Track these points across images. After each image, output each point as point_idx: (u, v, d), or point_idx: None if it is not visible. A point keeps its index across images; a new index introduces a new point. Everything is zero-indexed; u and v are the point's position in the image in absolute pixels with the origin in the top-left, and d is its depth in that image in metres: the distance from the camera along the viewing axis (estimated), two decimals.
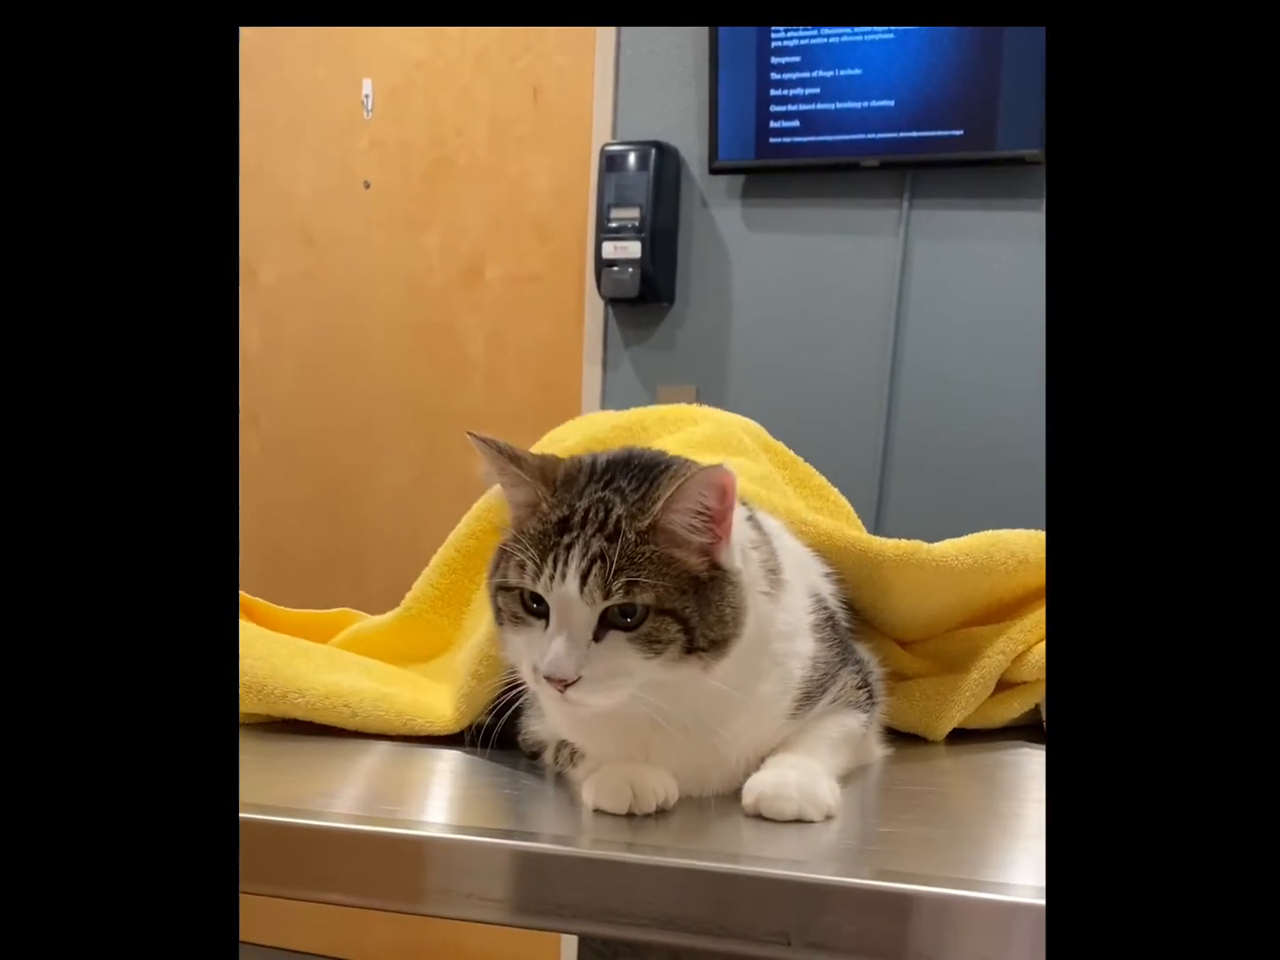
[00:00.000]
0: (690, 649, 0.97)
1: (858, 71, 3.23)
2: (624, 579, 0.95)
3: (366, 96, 3.58)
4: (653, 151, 3.29)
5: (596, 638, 0.96)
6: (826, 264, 3.29)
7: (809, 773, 1.01)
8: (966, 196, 3.23)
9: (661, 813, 1.01)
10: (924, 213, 3.26)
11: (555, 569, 0.96)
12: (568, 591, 0.95)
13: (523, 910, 0.94)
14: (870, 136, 3.25)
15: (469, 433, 1.06)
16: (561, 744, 1.12)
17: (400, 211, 3.58)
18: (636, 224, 3.30)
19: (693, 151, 3.37)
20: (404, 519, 3.55)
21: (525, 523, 1.04)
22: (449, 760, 1.20)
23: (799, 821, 0.98)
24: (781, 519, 1.20)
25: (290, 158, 3.67)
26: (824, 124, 3.27)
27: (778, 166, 3.33)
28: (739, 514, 1.02)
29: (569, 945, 3.29)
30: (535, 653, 0.99)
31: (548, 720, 1.13)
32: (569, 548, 0.98)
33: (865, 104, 3.23)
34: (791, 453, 1.39)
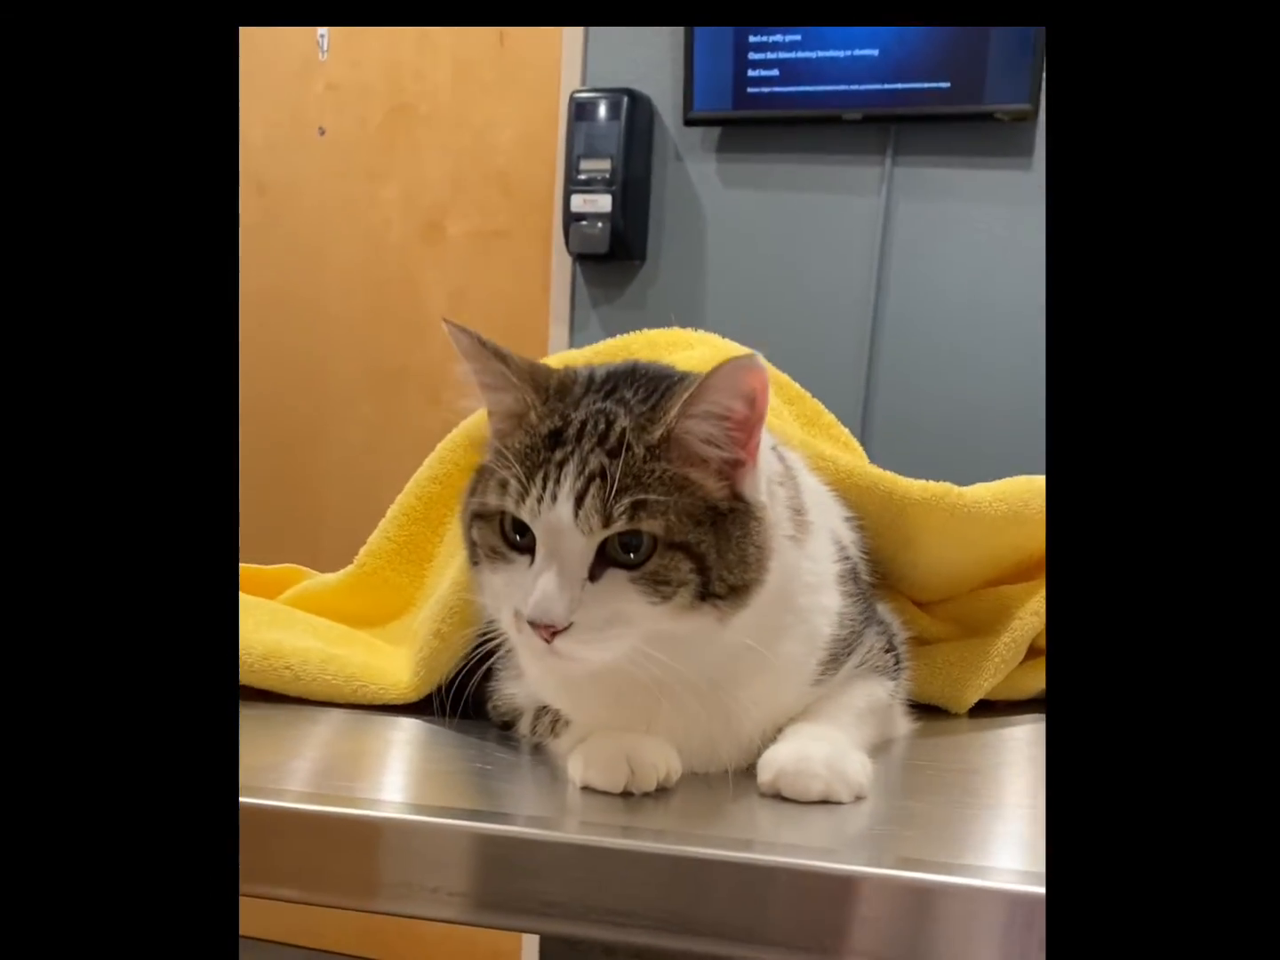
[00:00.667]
0: (705, 594, 0.82)
1: None
2: (628, 500, 0.80)
3: (321, 37, 3.39)
4: (625, 99, 3.12)
5: (593, 576, 0.81)
6: (805, 222, 3.14)
7: (837, 746, 0.86)
8: (952, 154, 3.09)
9: (662, 791, 0.86)
10: (908, 170, 3.11)
11: (544, 489, 0.82)
12: (559, 517, 0.81)
13: (497, 907, 0.78)
14: (853, 88, 3.10)
15: (445, 320, 0.91)
16: (542, 710, 0.97)
17: (357, 161, 3.40)
18: (607, 176, 3.13)
19: (666, 101, 3.20)
20: (357, 483, 3.38)
21: (509, 437, 0.88)
22: (407, 730, 1.05)
23: (825, 802, 0.84)
24: (797, 452, 1.04)
25: (241, 102, 3.46)
26: (805, 74, 3.11)
27: (756, 118, 3.17)
28: (764, 439, 0.87)
29: (530, 938, 3.14)
30: (518, 594, 0.83)
31: (527, 681, 0.98)
32: (561, 464, 0.83)
33: (848, 53, 3.08)
34: (798, 386, 1.23)
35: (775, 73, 3.12)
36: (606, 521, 0.80)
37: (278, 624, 1.15)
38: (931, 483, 1.09)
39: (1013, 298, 3.02)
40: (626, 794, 0.85)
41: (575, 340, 3.19)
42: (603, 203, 3.12)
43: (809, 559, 0.91)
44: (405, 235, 3.36)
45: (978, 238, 3.06)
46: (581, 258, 3.19)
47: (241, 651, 1.05)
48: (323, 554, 3.44)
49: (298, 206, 3.46)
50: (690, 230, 3.20)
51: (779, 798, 0.85)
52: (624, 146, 3.12)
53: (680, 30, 3.10)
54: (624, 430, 0.84)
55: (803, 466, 1.00)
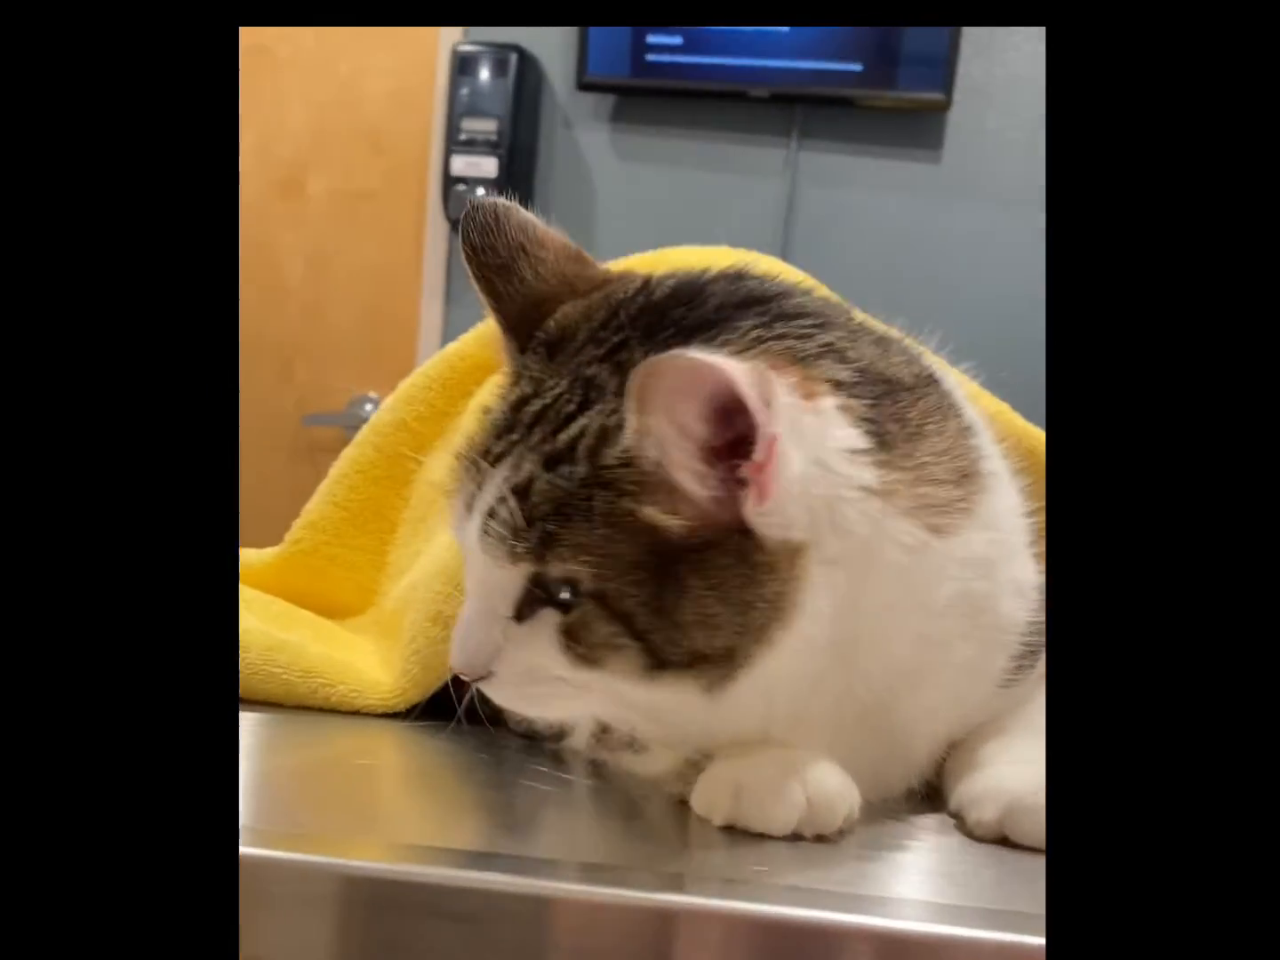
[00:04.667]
0: (658, 663, 0.60)
1: None
2: (536, 533, 0.59)
3: None
4: (513, 56, 2.85)
5: (521, 614, 0.62)
6: (704, 202, 2.93)
7: None
8: (860, 141, 2.92)
9: (839, 834, 0.61)
10: (813, 155, 2.94)
11: (465, 496, 0.64)
12: (469, 535, 0.63)
13: None
14: (760, 63, 2.90)
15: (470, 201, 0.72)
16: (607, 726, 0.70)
17: None
18: (493, 138, 2.85)
19: (557, 63, 2.95)
20: None
21: (493, 406, 0.68)
22: (393, 738, 0.76)
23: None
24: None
25: None
26: (710, 44, 2.90)
27: (655, 88, 2.94)
28: (823, 405, 0.62)
29: None
30: None
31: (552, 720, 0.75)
32: (495, 462, 0.63)
33: (756, 26, 2.89)
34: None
35: (678, 40, 2.90)
36: (512, 554, 0.60)
37: None
38: None
39: (919, 292, 2.87)
40: (796, 837, 0.59)
41: (451, 316, 2.88)
42: (487, 166, 2.83)
43: (986, 528, 0.66)
44: (259, 191, 2.98)
45: (884, 230, 2.91)
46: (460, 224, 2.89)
47: None
48: None
49: None
50: (581, 203, 2.94)
51: (1003, 842, 0.61)
52: (512, 107, 2.85)
53: None
54: (584, 429, 0.61)
55: (962, 394, 0.75)
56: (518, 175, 2.87)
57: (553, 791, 0.67)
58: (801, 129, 2.93)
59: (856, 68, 2.87)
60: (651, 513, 0.58)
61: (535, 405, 0.63)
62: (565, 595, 0.60)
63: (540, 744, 0.75)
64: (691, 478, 0.58)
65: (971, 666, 0.67)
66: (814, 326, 0.64)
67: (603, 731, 0.71)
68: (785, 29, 2.88)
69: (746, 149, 2.95)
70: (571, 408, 0.61)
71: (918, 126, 2.90)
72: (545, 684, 0.62)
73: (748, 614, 0.59)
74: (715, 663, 0.59)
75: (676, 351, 0.56)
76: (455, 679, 0.76)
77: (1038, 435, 0.86)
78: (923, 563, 0.63)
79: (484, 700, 0.71)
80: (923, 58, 2.84)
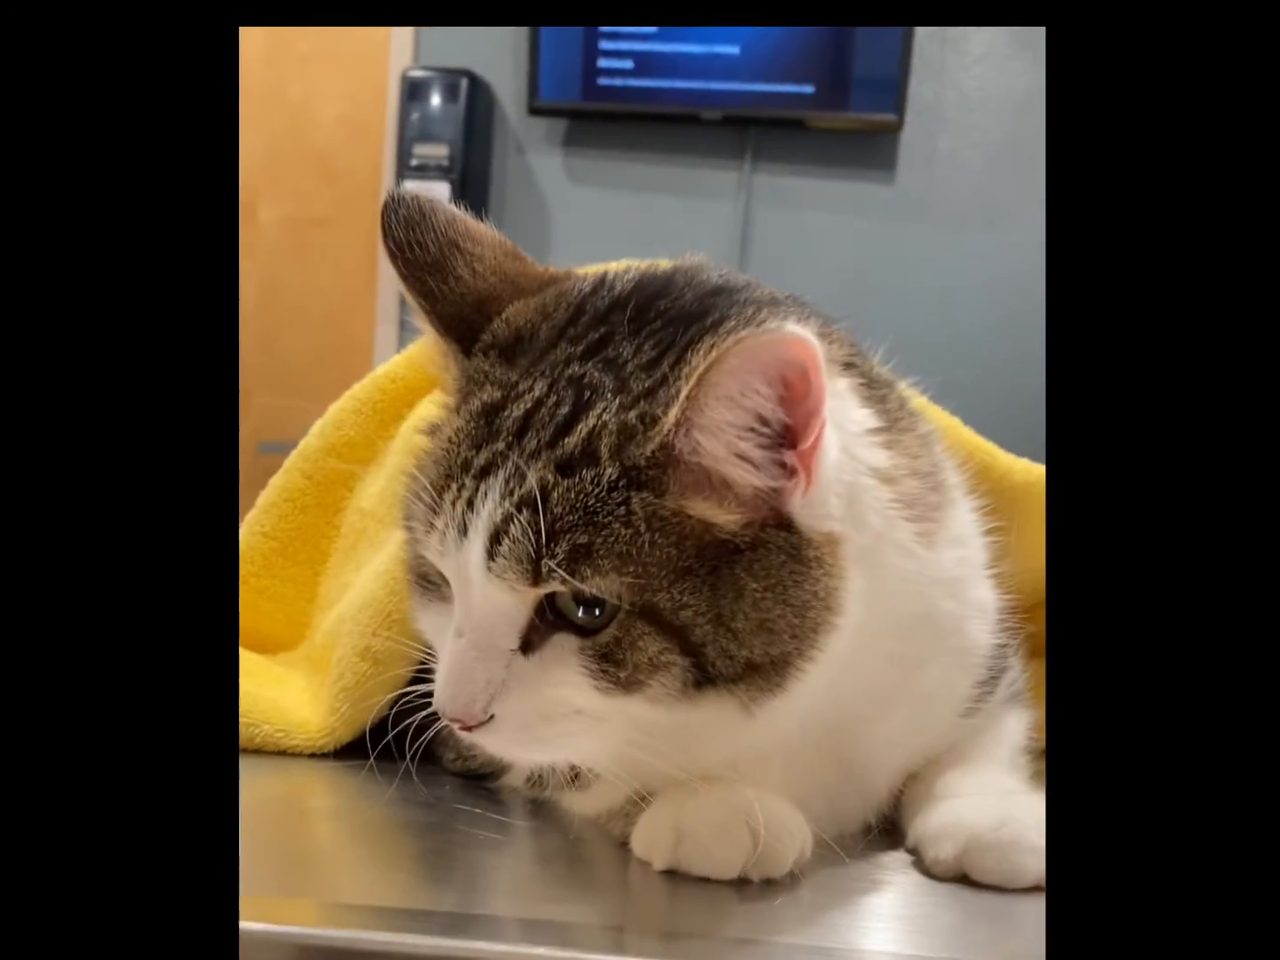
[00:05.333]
0: (704, 679, 0.55)
1: None
2: (566, 545, 0.53)
3: None
4: (464, 81, 2.83)
5: (528, 645, 0.56)
6: (658, 226, 2.90)
7: (1034, 803, 0.59)
8: (813, 163, 2.92)
9: (790, 877, 0.57)
10: (767, 177, 2.93)
11: (454, 515, 0.57)
12: (468, 561, 0.56)
13: None
14: (711, 86, 2.89)
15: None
16: None
17: None
18: (445, 164, 2.82)
19: (508, 88, 2.92)
20: None
21: (443, 426, 0.62)
22: (322, 781, 0.72)
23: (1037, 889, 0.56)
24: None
25: None
26: (660, 67, 2.89)
27: (606, 112, 2.92)
28: (839, 387, 0.60)
29: None
30: (440, 659, 0.59)
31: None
32: (483, 475, 0.56)
33: (707, 48, 2.88)
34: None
35: (629, 64, 2.89)
36: (534, 577, 0.54)
37: None
38: (1035, 464, 0.83)
39: (873, 313, 2.86)
40: (743, 881, 0.56)
41: (405, 342, 2.84)
42: (439, 192, 2.80)
43: (954, 544, 0.63)
44: None
45: (840, 250, 2.89)
46: None
47: None
48: None
49: None
50: (533, 228, 2.91)
51: (962, 880, 0.57)
52: (464, 132, 2.82)
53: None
54: (597, 429, 0.56)
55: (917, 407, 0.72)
56: (470, 201, 2.78)
57: (491, 836, 0.63)
58: (754, 151, 2.92)
59: (808, 90, 2.87)
60: (703, 509, 0.54)
61: (514, 411, 0.58)
62: (581, 613, 0.54)
63: (475, 782, 0.71)
64: (748, 469, 0.54)
65: (937, 691, 0.65)
66: (799, 313, 0.61)
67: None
68: (736, 51, 2.87)
69: (700, 171, 2.94)
70: (566, 410, 0.57)
71: (871, 148, 2.90)
72: (558, 722, 0.56)
73: (805, 614, 0.55)
74: (765, 673, 0.55)
75: (773, 326, 0.51)
76: (392, 715, 0.72)
77: (988, 449, 0.83)
78: (910, 572, 0.61)
79: (416, 732, 0.67)
80: (874, 79, 2.84)
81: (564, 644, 0.55)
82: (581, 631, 0.55)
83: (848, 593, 0.56)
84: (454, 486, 0.57)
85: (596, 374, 0.58)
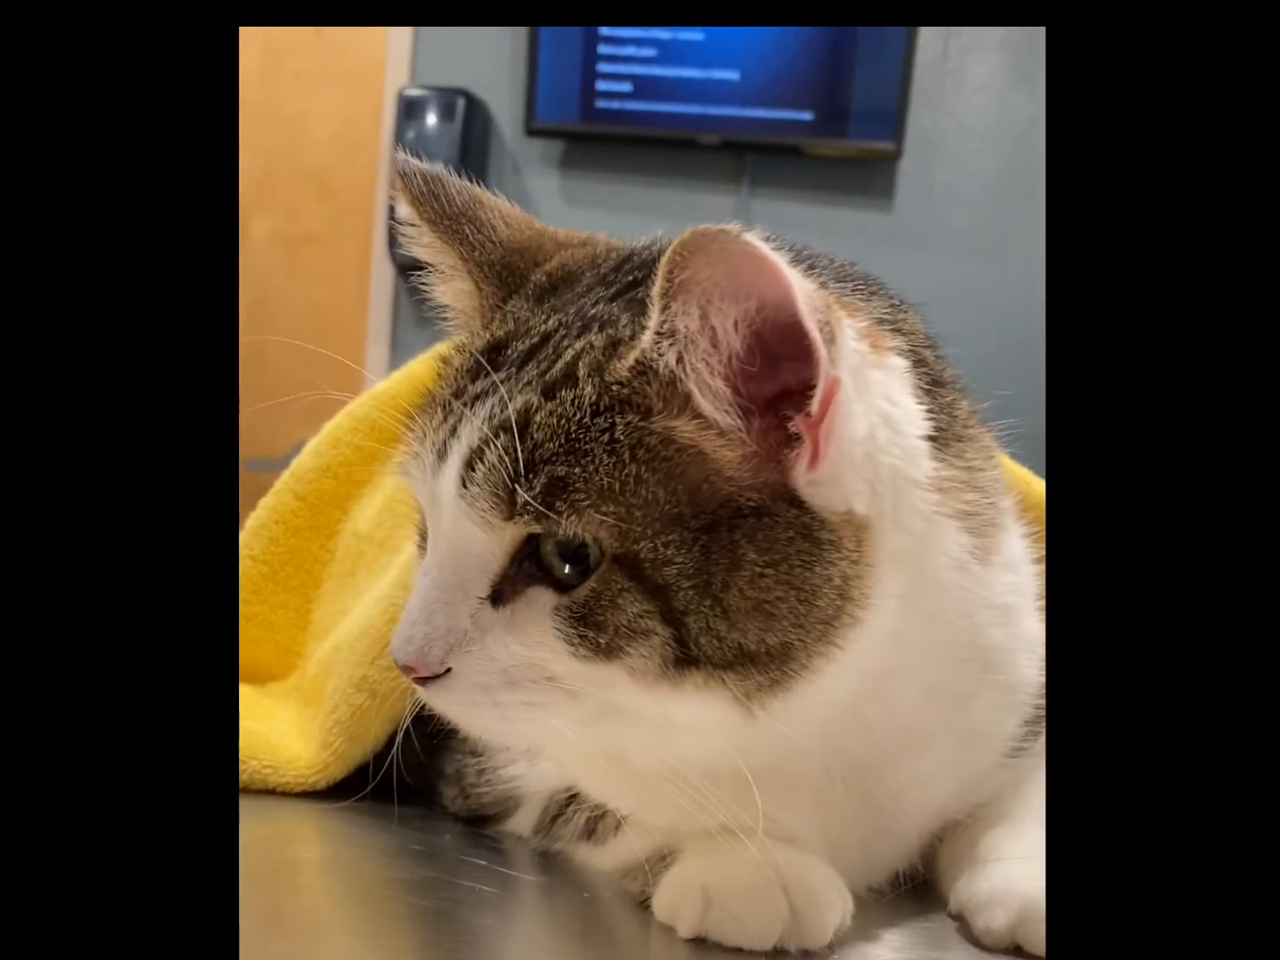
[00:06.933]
0: (684, 657, 0.50)
1: (699, 36, 2.85)
2: (542, 479, 0.49)
3: None
4: (460, 101, 2.80)
5: (499, 595, 0.51)
6: None
7: None
8: (811, 189, 2.90)
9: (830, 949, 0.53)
10: (764, 202, 2.91)
11: (433, 443, 0.54)
12: (442, 489, 0.52)
13: None
14: (710, 111, 2.88)
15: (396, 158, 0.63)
16: (569, 799, 0.62)
17: None
18: None
19: (505, 108, 2.90)
20: None
21: (450, 364, 0.60)
22: (312, 825, 0.68)
23: None
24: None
25: None
26: (659, 91, 2.88)
27: (604, 134, 2.90)
28: (890, 363, 0.55)
29: None
30: None
31: (546, 754, 0.62)
32: (472, 404, 0.53)
33: (706, 74, 2.87)
34: None
35: (627, 87, 2.87)
36: (509, 509, 0.49)
37: None
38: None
39: None
40: (778, 952, 0.52)
41: (397, 361, 2.80)
42: None
43: (1008, 569, 0.60)
44: None
45: None
46: (408, 269, 2.81)
47: None
48: None
49: None
50: None
51: (1016, 953, 0.53)
52: (460, 152, 2.79)
53: (523, 31, 2.81)
54: (583, 349, 0.52)
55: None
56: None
57: (496, 893, 0.58)
58: (752, 176, 2.90)
59: (807, 116, 2.85)
60: (693, 433, 0.49)
61: (521, 344, 0.54)
62: (567, 569, 0.50)
63: (479, 828, 0.67)
64: (711, 399, 0.49)
65: (980, 729, 0.60)
66: (867, 289, 0.59)
67: (558, 813, 0.63)
68: (736, 76, 2.86)
69: (697, 196, 2.92)
70: (572, 338, 0.53)
71: (869, 176, 2.88)
72: (524, 689, 0.51)
73: (813, 601, 0.49)
74: (762, 664, 0.50)
75: (732, 227, 0.46)
76: (386, 747, 0.68)
77: (1026, 476, 0.79)
78: (960, 589, 0.56)
79: (414, 769, 0.63)
80: (873, 107, 2.82)
81: (539, 599, 0.51)
82: (560, 587, 0.50)
83: (876, 587, 0.51)
84: (440, 413, 0.54)
85: (616, 310, 0.54)
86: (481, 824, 0.68)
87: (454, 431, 0.52)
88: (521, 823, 0.65)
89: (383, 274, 2.85)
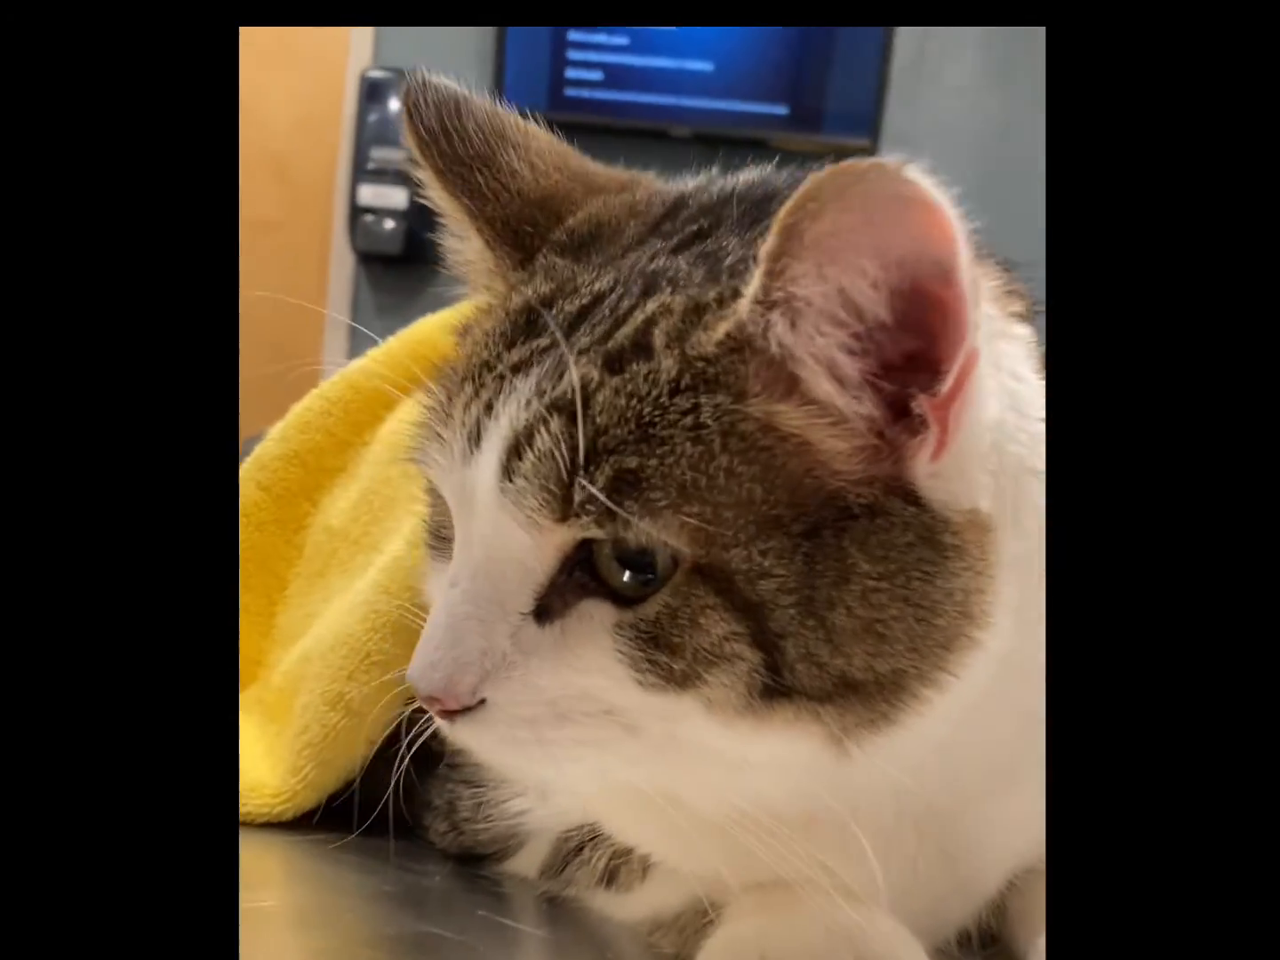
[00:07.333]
0: (777, 687, 0.41)
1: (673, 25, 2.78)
2: (607, 471, 0.40)
3: None
4: None
5: (546, 610, 0.43)
6: None
7: None
8: None
9: None
10: None
11: (463, 424, 0.45)
12: (475, 479, 0.43)
13: None
14: (683, 102, 2.81)
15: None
16: (586, 840, 0.53)
17: None
18: (403, 168, 2.68)
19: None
20: None
21: (470, 333, 0.51)
22: (278, 864, 0.59)
23: None
24: None
25: None
26: (631, 80, 2.80)
27: (573, 123, 2.74)
28: (1017, 331, 0.48)
29: None
30: None
31: (559, 787, 0.53)
32: (511, 375, 0.44)
33: (679, 64, 2.80)
34: None
35: (598, 75, 2.80)
36: (563, 508, 0.41)
37: None
38: None
39: None
40: None
41: (356, 352, 2.70)
42: (397, 197, 2.67)
43: None
44: None
45: None
46: (369, 258, 2.72)
47: None
48: None
49: None
50: None
51: None
52: None
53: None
54: (656, 314, 0.44)
55: None
56: (429, 209, 2.71)
57: (493, 952, 0.49)
58: (724, 170, 2.82)
59: (781, 110, 2.79)
60: (801, 423, 0.40)
61: (566, 306, 0.46)
62: (627, 576, 0.41)
63: (475, 869, 0.58)
64: (829, 381, 0.41)
65: None
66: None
67: (572, 854, 0.54)
68: (709, 67, 2.79)
69: None
70: (629, 302, 0.44)
71: None
72: (575, 723, 0.43)
73: (933, 621, 0.41)
74: (867, 696, 0.42)
75: (890, 161, 0.38)
76: (365, 776, 0.59)
77: None
78: None
79: (405, 798, 0.54)
80: (848, 103, 2.77)
81: (595, 614, 0.42)
82: (620, 600, 0.42)
83: (996, 601, 0.43)
84: (470, 388, 0.45)
85: (685, 266, 0.46)
86: (476, 863, 0.59)
87: (489, 409, 0.43)
88: (526, 863, 0.57)
89: (343, 262, 2.75)
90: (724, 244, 0.46)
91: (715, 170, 0.55)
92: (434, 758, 0.58)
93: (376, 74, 2.74)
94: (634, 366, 0.42)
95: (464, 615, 0.43)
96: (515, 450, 0.42)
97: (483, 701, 0.43)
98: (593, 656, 0.42)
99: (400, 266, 2.71)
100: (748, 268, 0.43)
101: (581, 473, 0.40)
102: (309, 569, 0.79)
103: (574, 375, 0.42)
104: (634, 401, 0.41)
